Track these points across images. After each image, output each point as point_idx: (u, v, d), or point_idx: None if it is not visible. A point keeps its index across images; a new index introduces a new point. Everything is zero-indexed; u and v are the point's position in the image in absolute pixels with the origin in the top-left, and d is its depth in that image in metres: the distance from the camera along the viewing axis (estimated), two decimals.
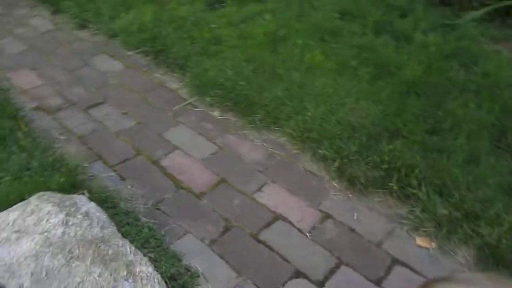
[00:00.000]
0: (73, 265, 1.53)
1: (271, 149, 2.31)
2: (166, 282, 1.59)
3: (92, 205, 1.78)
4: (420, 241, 1.87)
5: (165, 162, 2.23)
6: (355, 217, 1.97)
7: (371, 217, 1.97)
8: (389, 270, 1.77)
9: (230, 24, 3.16)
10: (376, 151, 2.16)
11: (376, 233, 1.90)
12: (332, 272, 1.75)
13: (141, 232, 1.79)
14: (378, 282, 1.72)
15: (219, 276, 1.73)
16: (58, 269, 1.51)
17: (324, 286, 1.70)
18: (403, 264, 1.78)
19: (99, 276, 1.50)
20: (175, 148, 2.31)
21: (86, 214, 1.72)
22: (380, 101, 2.43)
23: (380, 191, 2.07)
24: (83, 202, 1.78)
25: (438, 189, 2.00)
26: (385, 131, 2.26)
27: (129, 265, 1.56)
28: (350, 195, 2.07)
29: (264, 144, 2.34)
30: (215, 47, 2.94)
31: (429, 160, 2.11)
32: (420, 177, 2.03)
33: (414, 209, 1.97)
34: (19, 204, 1.73)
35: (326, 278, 1.73)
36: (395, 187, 2.03)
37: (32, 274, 1.48)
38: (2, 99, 2.46)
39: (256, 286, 1.69)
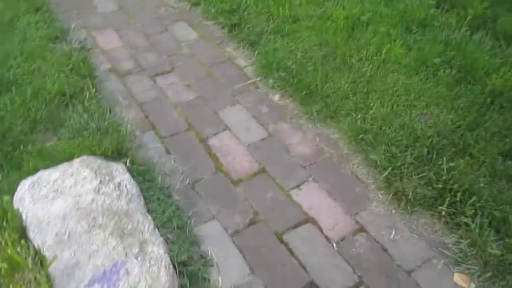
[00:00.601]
0: (94, 232, 1.62)
1: (322, 145, 2.19)
2: (175, 267, 1.62)
3: (126, 176, 1.86)
4: (458, 278, 1.66)
5: (212, 141, 2.23)
6: (391, 236, 1.81)
7: (410, 240, 1.79)
8: None
9: (314, 2, 2.98)
10: (434, 166, 1.94)
11: (410, 259, 1.73)
12: None
13: (167, 210, 1.83)
14: None
15: (233, 269, 1.71)
16: (80, 234, 1.61)
17: None
18: None
19: (113, 248, 1.58)
20: (226, 128, 2.30)
21: (118, 185, 1.80)
22: (455, 109, 2.15)
23: (428, 213, 1.86)
24: (119, 172, 1.86)
25: (495, 224, 1.75)
26: (451, 145, 2.01)
27: (142, 243, 1.61)
28: (393, 211, 1.90)
29: (316, 138, 2.22)
30: (290, 26, 2.80)
31: (493, 188, 1.83)
32: (477, 206, 1.79)
33: (461, 240, 1.75)
34: (64, 164, 1.86)
35: None
36: (445, 212, 1.81)
37: (56, 234, 1.60)
38: (81, 58, 2.62)
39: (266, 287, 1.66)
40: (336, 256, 1.75)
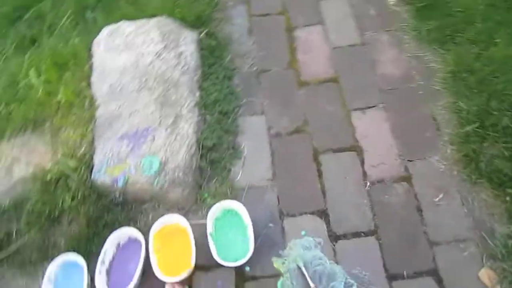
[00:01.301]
0: (141, 94, 1.72)
1: (414, 72, 1.86)
2: (200, 148, 1.67)
3: (192, 47, 1.86)
4: (485, 274, 1.42)
5: (299, 33, 2.05)
6: (437, 199, 1.57)
7: (456, 211, 1.54)
8: (417, 276, 1.45)
9: None
10: None
11: (442, 231, 1.51)
12: (356, 235, 1.54)
13: (220, 92, 1.82)
14: (393, 278, 1.45)
15: (256, 169, 1.70)
16: (130, 91, 1.73)
17: (336, 242, 1.53)
18: (439, 282, 1.43)
19: (151, 113, 1.67)
20: (320, 22, 2.07)
21: (180, 54, 1.82)
22: None
23: (493, 191, 1.54)
24: (186, 41, 1.87)
25: None
26: None
27: (177, 117, 1.67)
28: (455, 172, 1.61)
29: (411, 61, 1.89)
30: None
31: None
32: None
33: None
34: (143, 20, 1.92)
35: (345, 236, 1.54)
36: None
37: (110, 85, 1.75)
38: None
39: (278, 198, 1.63)
40: (363, 196, 1.61)
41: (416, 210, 1.56)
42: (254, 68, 1.96)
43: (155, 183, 1.55)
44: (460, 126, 1.67)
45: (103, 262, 1.50)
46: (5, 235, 1.56)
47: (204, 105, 1.77)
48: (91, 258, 1.50)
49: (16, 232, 1.55)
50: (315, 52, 1.98)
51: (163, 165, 1.56)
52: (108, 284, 1.48)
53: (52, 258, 1.51)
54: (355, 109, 1.81)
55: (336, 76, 1.90)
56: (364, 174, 1.66)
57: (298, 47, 2.01)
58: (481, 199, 1.55)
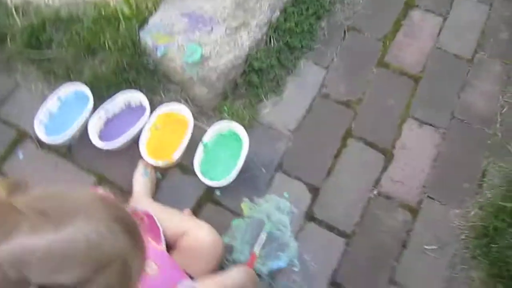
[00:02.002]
0: None
1: (500, 120, 1.62)
2: (246, 65, 1.60)
3: None
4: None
5: (415, 13, 1.82)
6: (427, 247, 1.44)
7: (436, 270, 1.41)
8: None
9: None
10: None
11: (409, 279, 1.40)
12: (329, 228, 1.46)
13: (299, 24, 1.70)
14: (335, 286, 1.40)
15: (285, 115, 1.62)
16: None
17: (308, 222, 1.48)
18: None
19: (223, 7, 1.59)
20: (442, 15, 1.82)
21: None
22: None
23: (487, 276, 1.38)
24: None
25: None
26: None
27: (243, 24, 1.58)
28: (463, 236, 1.45)
29: (505, 106, 1.64)
30: None
31: None
32: None
33: None
34: None
35: (319, 223, 1.47)
36: None
37: None
38: None
39: (285, 151, 1.57)
40: (362, 199, 1.50)
41: (401, 244, 1.45)
42: (348, 22, 1.80)
43: (188, 70, 1.54)
44: (502, 198, 1.47)
45: (107, 110, 1.56)
46: (48, 40, 1.64)
47: (275, 28, 1.67)
48: (98, 102, 1.56)
49: (56, 43, 1.63)
50: (416, 41, 1.77)
51: (203, 59, 1.53)
52: (100, 129, 1.55)
53: (70, 82, 1.59)
54: (414, 118, 1.64)
55: (419, 76, 1.71)
56: (378, 181, 1.54)
57: (404, 27, 1.80)
58: (470, 276, 1.40)
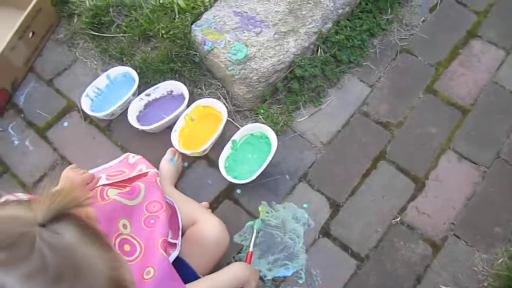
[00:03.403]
0: None
1: None
2: (288, 71, 1.61)
3: None
4: None
5: (476, 43, 1.73)
6: (443, 287, 1.36)
7: None
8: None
9: None
10: None
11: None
12: (344, 248, 1.43)
13: (350, 39, 1.67)
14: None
15: (320, 126, 1.61)
16: None
17: (322, 237, 1.45)
18: None
19: (275, 12, 1.61)
20: (505, 49, 1.72)
21: None
22: None
23: None
24: None
25: None
26: None
27: (292, 31, 1.59)
28: (486, 283, 1.35)
29: None
30: None
31: None
32: None
33: None
34: None
35: (333, 240, 1.44)
36: None
37: None
38: None
39: (314, 162, 1.55)
40: (383, 224, 1.45)
41: (415, 277, 1.38)
42: (402, 43, 1.75)
43: (231, 68, 1.57)
44: None
45: (148, 94, 1.63)
46: (109, 22, 1.75)
47: (325, 39, 1.66)
48: (143, 86, 1.64)
49: (115, 26, 1.73)
50: (471, 72, 1.69)
51: (246, 58, 1.55)
52: (140, 111, 1.62)
53: (120, 65, 1.68)
54: (455, 151, 1.55)
55: (468, 109, 1.62)
56: (403, 209, 1.48)
57: (461, 56, 1.72)
58: None
